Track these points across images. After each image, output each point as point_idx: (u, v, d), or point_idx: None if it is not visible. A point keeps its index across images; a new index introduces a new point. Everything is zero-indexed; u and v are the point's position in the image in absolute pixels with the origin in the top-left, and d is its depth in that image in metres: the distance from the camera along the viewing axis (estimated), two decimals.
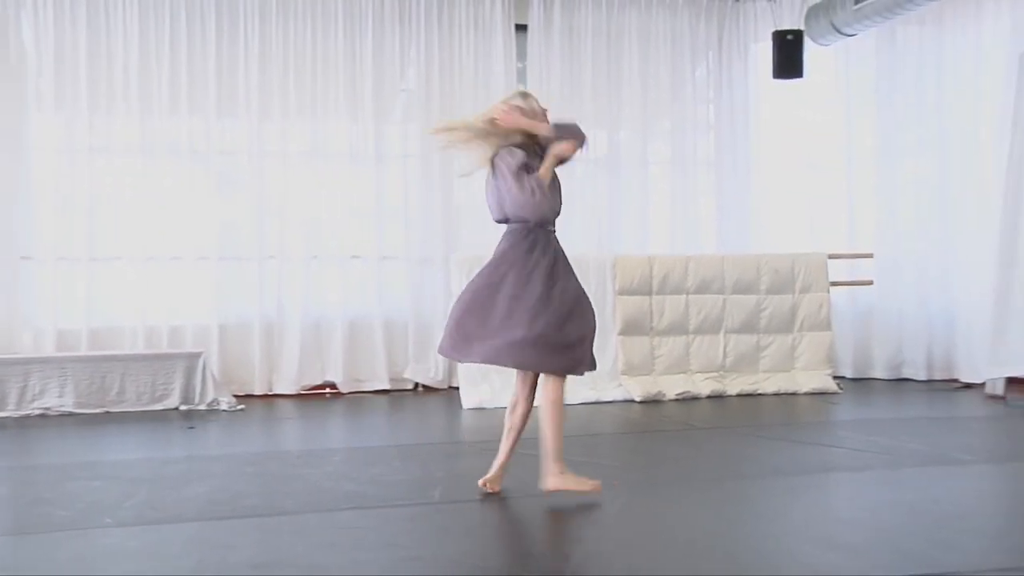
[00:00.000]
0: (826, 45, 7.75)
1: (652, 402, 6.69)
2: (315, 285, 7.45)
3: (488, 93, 7.77)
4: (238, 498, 3.94)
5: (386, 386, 7.46)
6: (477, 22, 7.80)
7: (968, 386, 7.40)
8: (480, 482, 3.93)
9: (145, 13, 7.16)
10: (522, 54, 7.96)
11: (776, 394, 7.06)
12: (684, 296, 7.10)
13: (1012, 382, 6.86)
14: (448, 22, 7.74)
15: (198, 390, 6.57)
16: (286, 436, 5.92)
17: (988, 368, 6.91)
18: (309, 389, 7.37)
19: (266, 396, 7.24)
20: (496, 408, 6.51)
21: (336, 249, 7.49)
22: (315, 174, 7.50)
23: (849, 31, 7.40)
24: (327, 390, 7.42)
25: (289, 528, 3.50)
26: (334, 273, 7.48)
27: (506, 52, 7.82)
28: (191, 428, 5.83)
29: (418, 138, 7.65)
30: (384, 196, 7.63)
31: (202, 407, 6.51)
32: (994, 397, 6.80)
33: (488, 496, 3.89)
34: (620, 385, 6.80)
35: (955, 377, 7.66)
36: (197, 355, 6.67)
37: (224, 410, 6.49)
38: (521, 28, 7.92)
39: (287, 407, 6.81)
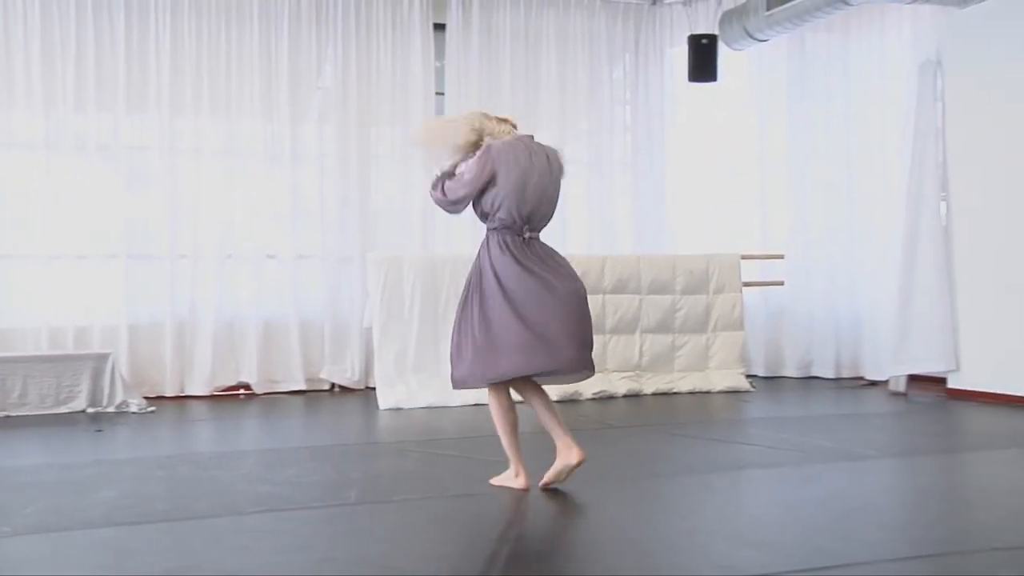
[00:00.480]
0: (740, 50, 7.91)
1: (569, 401, 6.73)
2: (229, 284, 7.31)
3: (406, 92, 7.75)
4: (147, 502, 3.84)
5: (302, 387, 7.36)
6: (395, 21, 7.75)
7: (873, 384, 7.64)
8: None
9: (48, 4, 6.92)
10: (440, 53, 7.94)
11: (691, 393, 7.18)
12: (601, 296, 7.17)
13: (913, 379, 7.13)
14: (366, 21, 7.67)
15: (106, 392, 6.39)
16: (198, 438, 5.79)
17: (891, 366, 7.16)
18: (222, 390, 7.23)
19: (178, 398, 7.07)
20: (413, 408, 6.49)
21: (251, 248, 7.36)
22: (229, 172, 7.35)
23: (762, 36, 7.56)
24: (241, 391, 7.29)
25: (201, 532, 3.43)
26: (248, 272, 7.35)
27: (424, 51, 7.79)
28: (99, 431, 5.66)
29: (335, 137, 7.57)
30: (300, 195, 7.53)
31: (111, 410, 6.33)
32: (897, 394, 7.04)
33: (418, 497, 3.87)
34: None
35: (861, 375, 7.90)
36: (105, 356, 6.48)
37: (134, 412, 6.32)
38: (439, 27, 7.90)
39: (200, 409, 6.67)
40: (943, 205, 6.97)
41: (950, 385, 6.90)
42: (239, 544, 3.27)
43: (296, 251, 7.47)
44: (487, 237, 4.04)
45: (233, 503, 3.83)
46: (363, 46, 7.66)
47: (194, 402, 6.95)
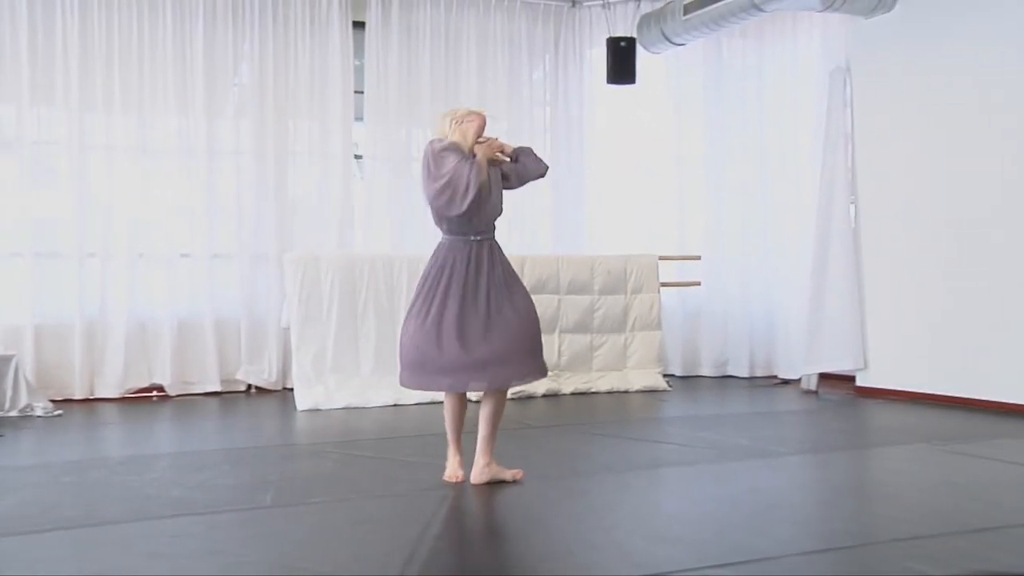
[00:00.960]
0: (657, 53, 8.01)
1: None
2: (141, 284, 7.13)
3: (324, 90, 7.66)
4: (53, 509, 3.72)
5: (217, 388, 7.22)
6: (313, 18, 7.66)
7: (785, 382, 7.81)
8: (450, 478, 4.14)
9: None
10: (359, 51, 7.87)
11: (609, 392, 7.25)
12: None
13: (824, 378, 7.32)
14: (283, 17, 7.57)
15: (9, 395, 6.16)
16: (108, 442, 5.64)
17: (803, 366, 7.34)
18: (134, 392, 7.05)
19: (87, 400, 6.87)
20: (331, 409, 6.42)
21: (164, 247, 7.20)
22: (141, 168, 7.17)
23: (679, 41, 7.67)
24: (154, 393, 7.12)
25: (109, 539, 3.33)
26: (162, 271, 7.19)
27: (343, 49, 7.71)
28: (0, 437, 5.46)
29: (251, 134, 7.45)
30: (215, 193, 7.39)
31: (13, 414, 6.11)
32: (808, 392, 7.21)
33: (335, 499, 3.83)
34: None
35: (774, 374, 8.07)
36: (8, 358, 6.25)
37: (39, 416, 6.12)
38: (359, 25, 7.83)
39: (110, 411, 6.49)
40: (853, 208, 7.17)
41: (858, 383, 7.10)
42: (150, 550, 3.19)
43: (211, 250, 7.33)
44: (496, 241, 4.21)
45: (144, 508, 3.73)
46: (280, 43, 7.56)
47: (104, 405, 6.76)
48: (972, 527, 3.40)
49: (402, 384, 4.12)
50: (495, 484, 4.07)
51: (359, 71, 7.87)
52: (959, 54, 6.37)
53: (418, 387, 4.09)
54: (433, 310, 3.97)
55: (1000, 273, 6.15)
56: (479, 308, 3.97)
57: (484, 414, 4.10)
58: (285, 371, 7.33)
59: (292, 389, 6.77)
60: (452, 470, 4.15)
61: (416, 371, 4.03)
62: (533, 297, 7.11)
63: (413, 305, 4.06)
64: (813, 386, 7.25)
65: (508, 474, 4.12)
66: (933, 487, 4.16)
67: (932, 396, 6.51)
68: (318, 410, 6.41)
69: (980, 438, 5.20)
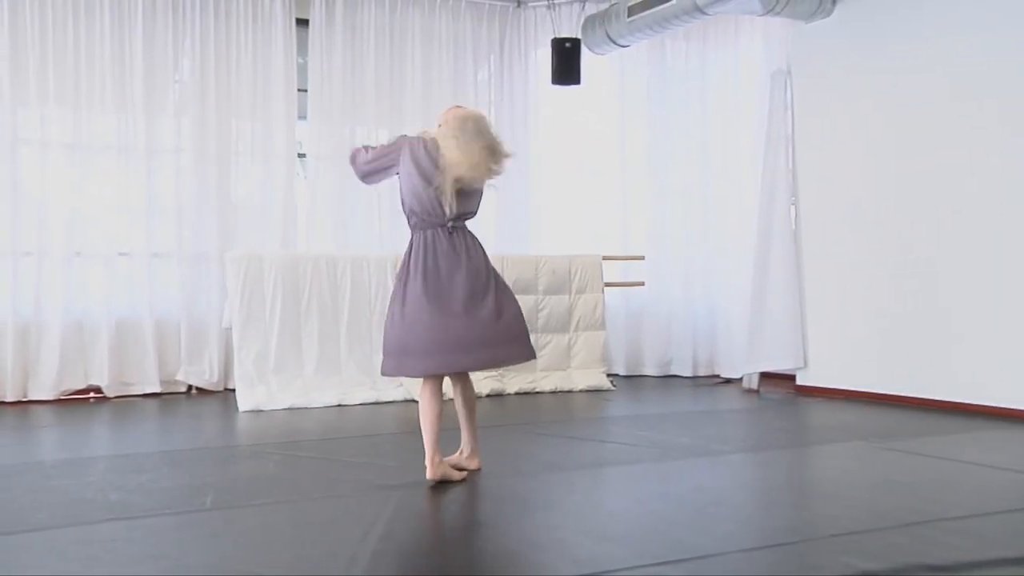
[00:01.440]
0: (602, 55, 8.05)
1: None
2: (78, 283, 6.99)
3: (267, 88, 7.58)
4: None
5: (157, 389, 7.10)
6: (256, 15, 7.57)
7: (727, 381, 7.91)
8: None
9: None
10: (303, 50, 7.80)
11: (553, 392, 7.27)
12: None
13: (765, 377, 7.43)
14: (225, 13, 7.47)
15: None
16: (42, 445, 5.50)
17: (745, 365, 7.43)
18: (70, 394, 6.90)
19: (20, 403, 6.71)
20: (273, 410, 6.35)
21: (102, 245, 7.06)
22: (78, 165, 7.03)
23: (623, 42, 7.72)
24: (91, 395, 6.98)
25: (42, 545, 3.26)
26: (99, 270, 7.05)
27: (286, 47, 7.64)
28: None
29: (192, 132, 7.34)
30: (155, 190, 7.27)
31: None
32: (750, 391, 7.31)
33: (277, 501, 3.78)
34: (401, 385, 6.80)
35: (717, 373, 8.17)
36: None
37: None
38: (302, 23, 7.76)
39: (44, 414, 6.34)
40: (793, 210, 7.28)
41: (799, 382, 7.22)
42: (85, 555, 3.12)
43: (150, 248, 7.21)
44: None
45: (80, 513, 3.65)
46: (222, 40, 7.46)
47: (38, 407, 6.60)
48: (906, 522, 3.47)
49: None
50: (440, 484, 4.06)
51: (303, 69, 7.80)
52: (897, 57, 6.51)
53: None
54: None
55: (936, 275, 6.28)
56: None
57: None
58: (226, 372, 7.23)
59: (234, 390, 6.68)
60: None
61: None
62: None
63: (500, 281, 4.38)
64: (754, 385, 7.35)
65: (457, 475, 4.14)
66: (870, 484, 4.24)
67: (870, 394, 6.64)
68: (260, 411, 6.33)
69: (915, 436, 5.31)
